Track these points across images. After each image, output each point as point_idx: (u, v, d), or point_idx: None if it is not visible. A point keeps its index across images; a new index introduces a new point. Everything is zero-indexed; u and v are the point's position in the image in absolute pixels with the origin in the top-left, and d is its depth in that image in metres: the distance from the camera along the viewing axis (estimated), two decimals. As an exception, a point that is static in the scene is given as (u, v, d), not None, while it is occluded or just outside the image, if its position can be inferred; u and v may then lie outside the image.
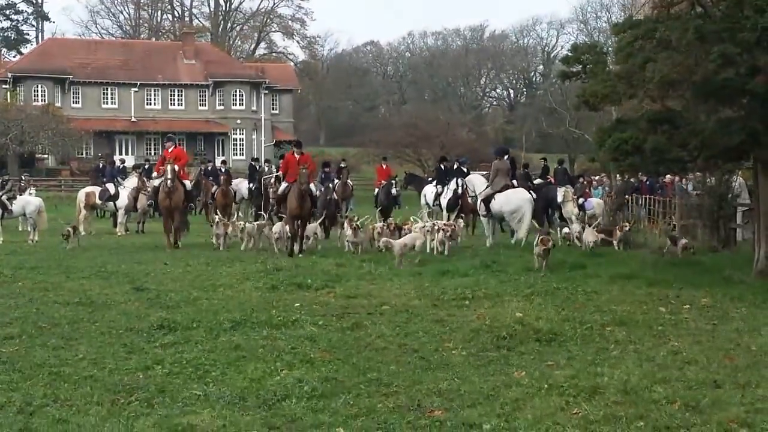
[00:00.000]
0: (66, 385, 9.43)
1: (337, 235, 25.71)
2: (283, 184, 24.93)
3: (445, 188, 31.90)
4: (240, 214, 33.99)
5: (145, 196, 31.97)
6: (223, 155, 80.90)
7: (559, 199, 30.14)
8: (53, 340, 11.83)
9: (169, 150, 26.36)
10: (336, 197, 30.76)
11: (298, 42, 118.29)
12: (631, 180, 36.24)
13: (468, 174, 30.99)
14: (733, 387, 9.37)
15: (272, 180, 32.51)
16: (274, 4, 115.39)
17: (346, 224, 23.52)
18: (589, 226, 24.35)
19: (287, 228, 23.18)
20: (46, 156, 78.80)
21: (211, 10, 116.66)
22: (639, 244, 25.62)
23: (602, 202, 35.76)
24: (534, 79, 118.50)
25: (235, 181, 39.91)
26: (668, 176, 34.62)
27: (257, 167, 41.49)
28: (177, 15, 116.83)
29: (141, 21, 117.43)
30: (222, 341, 11.77)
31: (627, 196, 35.74)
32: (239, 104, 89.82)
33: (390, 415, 8.40)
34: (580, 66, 20.68)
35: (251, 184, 39.89)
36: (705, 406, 8.62)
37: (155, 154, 75.59)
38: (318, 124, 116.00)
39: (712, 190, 27.62)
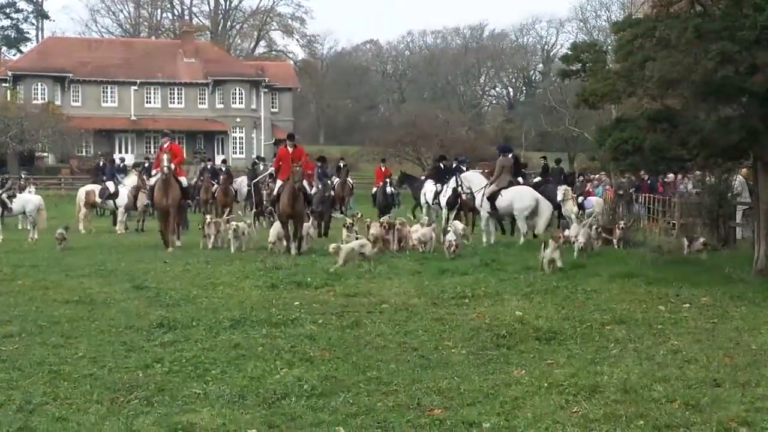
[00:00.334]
0: (65, 384, 9.43)
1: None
2: (278, 183, 24.17)
3: (445, 186, 31.89)
4: (240, 212, 33.93)
5: (144, 194, 31.89)
6: (222, 154, 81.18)
7: (559, 197, 30.15)
8: (53, 338, 11.84)
9: (164, 146, 25.95)
10: (332, 194, 30.62)
11: (297, 40, 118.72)
12: (632, 178, 36.29)
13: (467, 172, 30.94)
14: (733, 386, 9.37)
15: (267, 178, 32.48)
16: (274, 2, 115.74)
17: (345, 232, 22.65)
18: (590, 225, 24.20)
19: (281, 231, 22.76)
20: (46, 154, 78.91)
21: (211, 8, 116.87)
22: (639, 242, 25.60)
23: (602, 200, 35.82)
24: (533, 77, 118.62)
25: (238, 180, 39.88)
26: (670, 175, 34.62)
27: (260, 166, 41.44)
28: (177, 13, 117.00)
29: (141, 19, 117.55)
30: (221, 340, 11.78)
31: (632, 195, 35.85)
32: (239, 103, 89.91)
33: (390, 413, 8.40)
34: (580, 64, 20.68)
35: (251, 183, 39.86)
36: (705, 405, 8.62)
37: (155, 152, 75.38)
38: (317, 123, 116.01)
39: (711, 188, 27.66)
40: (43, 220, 30.09)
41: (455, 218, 30.33)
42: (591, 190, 40.86)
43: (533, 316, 13.23)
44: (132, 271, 19.45)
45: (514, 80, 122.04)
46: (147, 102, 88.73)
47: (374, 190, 36.08)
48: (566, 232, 22.94)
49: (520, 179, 27.94)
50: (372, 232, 22.20)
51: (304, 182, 23.37)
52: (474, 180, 27.88)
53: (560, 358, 10.76)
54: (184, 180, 26.27)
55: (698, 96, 19.10)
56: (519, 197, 25.80)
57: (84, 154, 79.74)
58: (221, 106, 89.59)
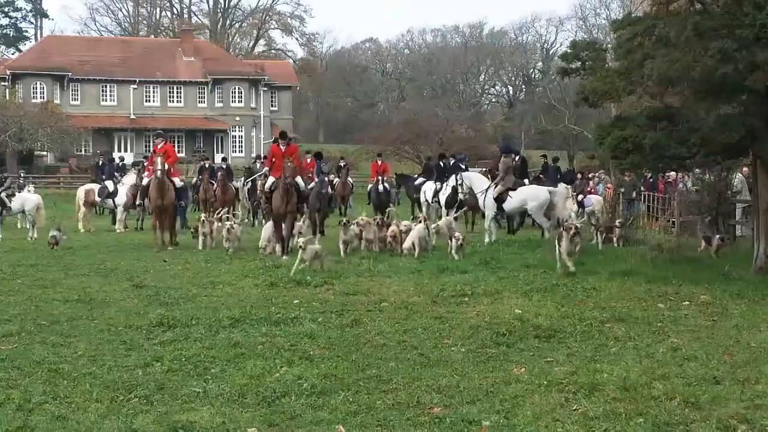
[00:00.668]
0: (65, 383, 9.42)
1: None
2: (270, 180, 23.86)
3: (444, 185, 31.92)
4: (237, 211, 33.79)
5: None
6: (222, 152, 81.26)
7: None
8: (52, 337, 11.84)
9: (158, 146, 25.88)
10: (330, 192, 30.52)
11: (297, 39, 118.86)
12: (635, 178, 36.30)
13: (466, 170, 30.95)
14: (733, 383, 9.38)
15: (263, 177, 32.41)
16: (273, 1, 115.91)
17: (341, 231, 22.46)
18: (590, 223, 24.14)
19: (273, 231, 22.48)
20: (45, 153, 78.97)
21: (210, 7, 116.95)
22: (638, 240, 25.62)
23: (601, 199, 35.83)
24: (533, 76, 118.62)
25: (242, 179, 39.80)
26: (671, 173, 34.64)
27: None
28: (176, 12, 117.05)
29: (140, 18, 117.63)
30: (221, 338, 11.78)
31: (634, 192, 35.87)
32: (238, 101, 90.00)
33: (389, 411, 8.40)
34: (579, 63, 20.71)
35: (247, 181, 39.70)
36: (704, 403, 8.63)
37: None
38: (317, 121, 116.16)
39: (710, 186, 27.70)
40: (41, 218, 30.11)
41: (454, 218, 30.44)
42: (593, 188, 40.86)
43: (533, 314, 13.24)
44: (131, 269, 19.47)
45: (513, 78, 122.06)
46: (146, 101, 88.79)
47: (369, 186, 36.00)
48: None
49: (526, 180, 28.02)
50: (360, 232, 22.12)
51: (298, 179, 23.12)
52: (475, 180, 27.96)
53: (560, 356, 10.77)
54: (177, 180, 26.23)
55: (698, 94, 19.12)
56: (533, 195, 26.15)
57: (83, 153, 79.88)
58: (220, 104, 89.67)
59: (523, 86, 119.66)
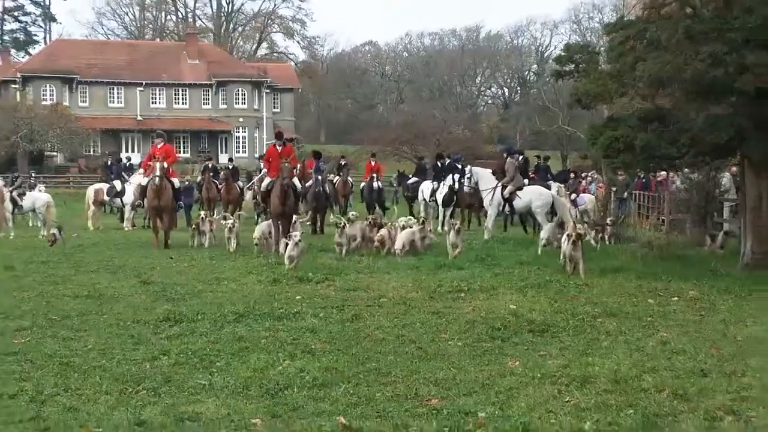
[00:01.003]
0: (76, 375, 9.45)
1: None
2: (266, 180, 23.84)
3: (441, 184, 31.97)
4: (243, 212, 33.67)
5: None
6: (226, 153, 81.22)
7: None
8: (63, 331, 11.86)
9: (158, 147, 25.53)
10: (328, 190, 30.43)
11: (298, 42, 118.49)
12: (623, 176, 36.32)
13: (463, 170, 30.89)
14: (720, 376, 9.42)
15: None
16: (275, 5, 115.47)
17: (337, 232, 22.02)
18: (583, 221, 24.10)
19: (272, 230, 22.25)
20: (55, 154, 78.89)
21: (214, 11, 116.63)
22: (629, 238, 25.67)
23: (594, 197, 35.87)
24: (528, 78, 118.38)
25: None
26: (662, 173, 34.66)
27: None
28: (180, 16, 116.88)
29: (145, 22, 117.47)
30: (226, 332, 11.82)
31: (625, 192, 35.92)
32: (241, 103, 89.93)
33: (388, 403, 8.43)
34: (573, 65, 20.73)
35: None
36: (692, 395, 8.66)
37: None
38: (318, 122, 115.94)
39: (699, 185, 27.75)
40: (52, 216, 30.10)
41: (451, 215, 30.51)
42: (586, 187, 40.90)
43: (527, 310, 13.29)
44: (139, 266, 19.49)
45: (509, 81, 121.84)
46: (152, 102, 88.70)
47: (362, 185, 35.93)
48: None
49: (525, 180, 28.10)
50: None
51: (295, 180, 23.02)
52: (484, 177, 27.68)
53: (553, 350, 10.81)
54: (176, 181, 25.92)
55: (688, 96, 19.16)
56: (537, 196, 26.34)
57: (92, 153, 79.78)
58: (224, 106, 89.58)
59: (518, 88, 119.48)
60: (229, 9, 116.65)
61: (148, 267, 19.27)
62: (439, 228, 29.07)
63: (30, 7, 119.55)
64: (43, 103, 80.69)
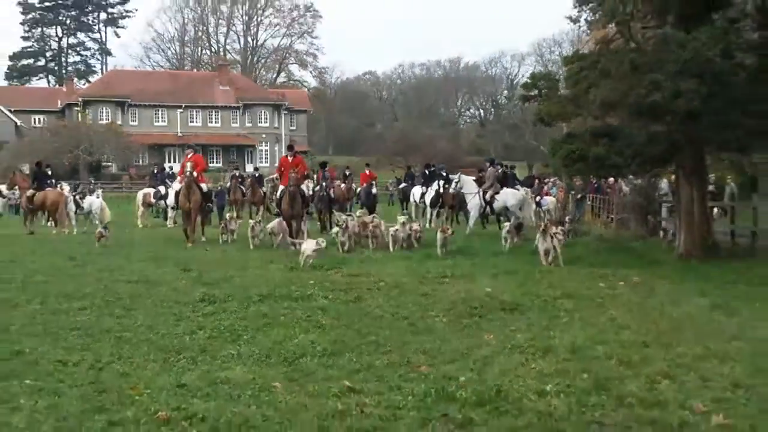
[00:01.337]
0: (127, 347, 9.45)
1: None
2: (280, 188, 23.42)
3: (429, 188, 32.14)
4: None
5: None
6: (251, 163, 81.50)
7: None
8: (117, 310, 11.87)
9: (189, 156, 24.98)
10: (332, 195, 30.23)
11: (311, 72, 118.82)
12: (581, 181, 36.31)
13: (447, 177, 31.14)
14: (658, 347, 9.42)
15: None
16: (292, 41, 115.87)
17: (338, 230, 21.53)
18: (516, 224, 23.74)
19: (284, 226, 21.81)
20: (110, 164, 78.93)
21: (241, 46, 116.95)
22: (584, 233, 25.70)
23: (554, 199, 35.87)
24: (500, 101, 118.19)
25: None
26: (611, 179, 34.66)
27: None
28: (213, 50, 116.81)
29: (185, 55, 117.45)
30: (251, 311, 11.81)
31: (580, 195, 35.91)
32: (264, 122, 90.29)
33: (385, 369, 8.43)
34: (537, 91, 20.73)
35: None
36: (636, 362, 8.67)
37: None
38: (327, 138, 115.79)
39: (641, 189, 27.79)
40: (106, 216, 30.09)
41: (437, 214, 30.64)
42: (548, 191, 40.92)
43: (499, 292, 13.29)
44: (180, 257, 19.48)
45: (484, 103, 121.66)
46: (190, 121, 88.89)
47: (358, 189, 35.79)
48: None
49: (505, 188, 28.28)
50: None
51: (303, 186, 22.74)
52: (468, 184, 28.22)
53: (521, 325, 10.79)
54: (204, 186, 25.41)
55: (632, 116, 19.17)
56: (511, 196, 27.20)
57: (140, 163, 79.71)
58: (250, 124, 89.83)
59: (492, 110, 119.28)
60: (254, 45, 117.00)
61: (187, 257, 19.26)
62: (427, 224, 29.10)
63: (90, 44, 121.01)
64: (100, 122, 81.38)
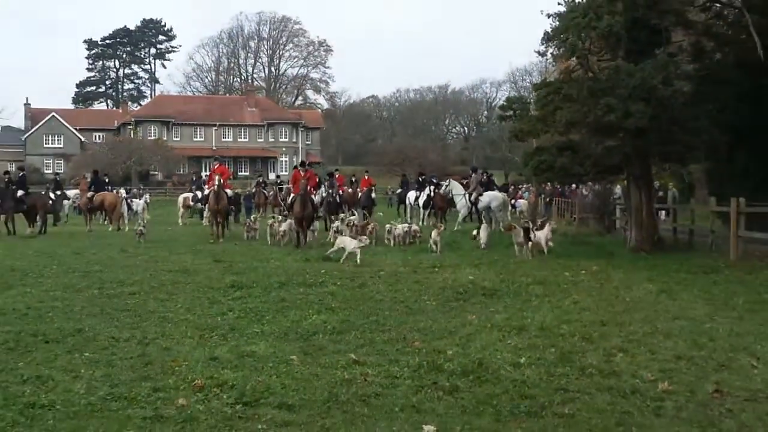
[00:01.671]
0: (169, 325, 9.41)
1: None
2: (291, 195, 22.81)
3: (421, 193, 32.19)
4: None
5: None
6: (273, 172, 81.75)
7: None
8: (161, 295, 11.82)
9: (216, 167, 24.94)
10: (338, 199, 30.02)
11: (323, 96, 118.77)
12: (550, 187, 36.38)
13: (438, 184, 31.30)
14: (614, 325, 9.36)
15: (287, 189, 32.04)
16: (308, 71, 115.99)
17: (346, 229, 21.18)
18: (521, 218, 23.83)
19: (294, 226, 21.10)
20: (156, 172, 79.12)
21: (266, 75, 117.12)
22: (552, 230, 25.63)
23: (527, 202, 35.90)
24: (481, 120, 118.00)
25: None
26: (573, 185, 34.72)
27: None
28: (243, 78, 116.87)
29: (219, 83, 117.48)
30: (272, 296, 11.75)
31: (548, 198, 35.95)
32: (284, 138, 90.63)
33: (385, 345, 8.37)
34: (512, 112, 20.71)
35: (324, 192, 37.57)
36: (595, 338, 8.61)
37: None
38: (337, 151, 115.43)
39: (598, 193, 27.81)
40: (145, 214, 30.16)
41: (429, 215, 30.65)
42: (521, 195, 40.96)
43: (481, 279, 13.24)
44: (213, 250, 19.45)
45: (468, 122, 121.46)
46: (223, 137, 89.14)
47: (360, 195, 35.64)
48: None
49: (489, 191, 28.38)
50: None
51: (314, 196, 22.27)
52: (456, 187, 28.69)
53: (499, 308, 10.75)
54: (230, 191, 25.26)
55: (591, 133, 19.17)
56: (494, 198, 27.22)
57: (181, 172, 79.78)
58: (272, 140, 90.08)
59: (474, 127, 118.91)
60: (276, 73, 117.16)
61: (220, 250, 19.22)
62: (421, 223, 29.05)
63: (141, 73, 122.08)
64: (149, 138, 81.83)
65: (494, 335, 8.82)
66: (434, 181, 33.12)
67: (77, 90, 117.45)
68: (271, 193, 36.16)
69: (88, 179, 32.41)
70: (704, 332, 8.95)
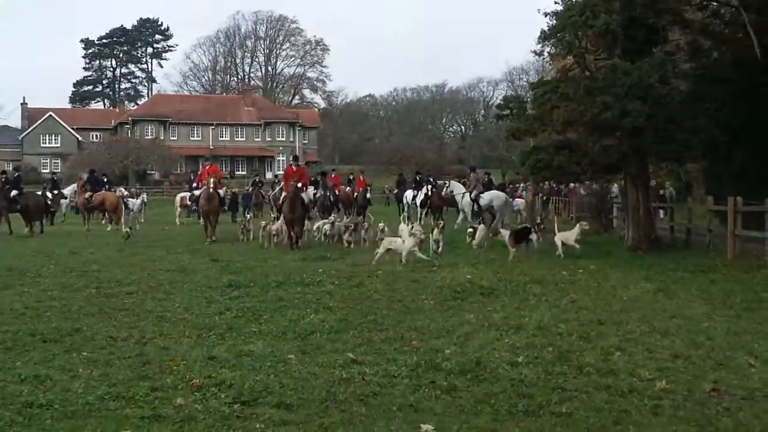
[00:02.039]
0: (167, 325, 9.40)
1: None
2: (282, 194, 22.11)
3: (419, 192, 32.22)
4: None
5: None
6: (270, 171, 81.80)
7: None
8: (158, 294, 11.82)
9: (207, 167, 24.40)
10: (331, 199, 29.90)
11: (320, 95, 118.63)
12: (545, 186, 36.40)
13: (435, 183, 31.41)
14: (612, 324, 9.37)
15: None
16: (305, 70, 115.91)
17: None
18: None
19: (285, 227, 20.61)
20: (153, 172, 79.00)
21: (263, 74, 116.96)
22: (549, 229, 25.64)
23: (524, 201, 35.91)
24: (478, 119, 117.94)
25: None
26: (572, 184, 34.75)
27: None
28: (240, 77, 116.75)
29: (216, 82, 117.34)
30: (270, 295, 11.75)
31: (545, 197, 35.97)
32: (281, 137, 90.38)
33: (382, 344, 8.37)
34: (509, 111, 20.70)
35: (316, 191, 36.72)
36: (593, 337, 8.62)
37: (224, 170, 76.36)
38: (334, 150, 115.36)
39: (596, 193, 27.83)
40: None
41: (425, 214, 30.65)
42: (519, 194, 40.98)
43: (478, 278, 13.23)
44: (210, 249, 19.45)
45: (465, 121, 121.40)
46: (220, 137, 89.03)
47: (355, 194, 35.53)
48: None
49: (491, 191, 28.39)
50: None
51: (304, 194, 21.60)
52: (457, 187, 28.64)
53: (497, 307, 10.75)
54: (222, 192, 24.81)
55: (588, 131, 19.17)
56: (496, 198, 26.99)
57: (179, 171, 79.61)
58: (269, 139, 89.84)
59: (471, 126, 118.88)
60: (273, 73, 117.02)
61: (217, 250, 19.22)
62: (420, 222, 29.03)
63: (138, 73, 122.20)
64: (146, 137, 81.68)
65: (492, 334, 8.82)
66: (431, 180, 33.16)
67: (74, 89, 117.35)
68: (270, 193, 36.02)
69: (84, 179, 32.42)
70: (701, 331, 8.97)
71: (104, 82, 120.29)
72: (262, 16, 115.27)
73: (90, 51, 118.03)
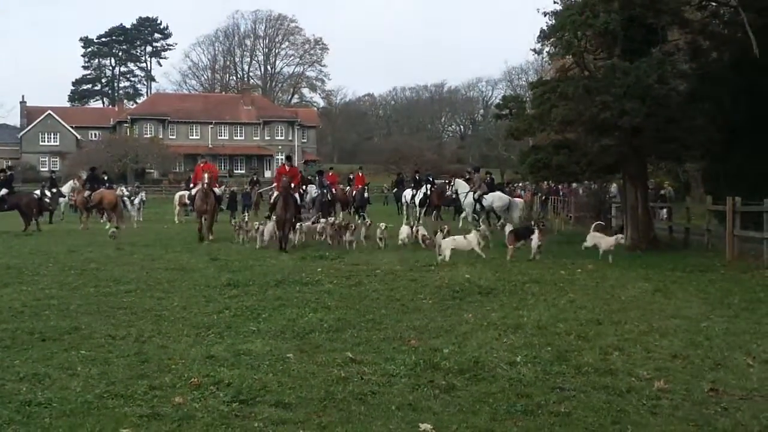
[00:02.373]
0: (166, 323, 9.40)
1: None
2: (274, 193, 21.62)
3: (418, 191, 32.22)
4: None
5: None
6: (269, 170, 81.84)
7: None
8: (157, 293, 11.81)
9: (202, 165, 23.78)
10: (329, 198, 29.86)
11: (319, 94, 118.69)
12: (550, 186, 36.44)
13: (434, 182, 31.43)
14: (610, 324, 9.38)
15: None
16: (304, 69, 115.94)
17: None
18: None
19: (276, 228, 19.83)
20: (152, 170, 78.95)
21: (262, 73, 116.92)
22: (549, 229, 25.67)
23: (523, 200, 35.91)
24: (477, 119, 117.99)
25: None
26: (573, 184, 34.79)
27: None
28: (239, 76, 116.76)
29: (215, 81, 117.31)
30: (269, 294, 11.75)
31: (544, 197, 35.98)
32: (280, 136, 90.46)
33: (381, 343, 8.37)
34: (508, 110, 20.73)
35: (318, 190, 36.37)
36: (591, 337, 8.62)
37: (223, 169, 76.54)
38: (333, 149, 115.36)
39: (595, 192, 27.87)
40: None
41: (424, 213, 30.67)
42: (518, 194, 40.98)
43: (477, 278, 13.23)
44: (209, 248, 19.43)
45: (464, 120, 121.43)
46: (219, 135, 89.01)
47: (354, 192, 35.47)
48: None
49: (494, 192, 28.36)
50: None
51: (296, 194, 21.27)
52: (461, 186, 28.32)
53: (495, 306, 10.74)
54: (217, 190, 24.59)
55: (587, 131, 19.19)
56: (498, 198, 26.92)
57: (177, 170, 79.57)
58: (268, 138, 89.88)
59: (470, 126, 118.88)
60: (272, 72, 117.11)
61: (216, 249, 19.21)
62: (419, 221, 29.04)
63: (137, 71, 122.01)
64: (145, 136, 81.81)
65: (490, 334, 8.82)
66: (430, 179, 33.16)
67: (73, 88, 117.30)
68: (269, 193, 36.02)
69: (83, 177, 32.42)
70: (700, 331, 8.97)
71: (103, 80, 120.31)
72: (262, 15, 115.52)
73: (89, 49, 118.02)
